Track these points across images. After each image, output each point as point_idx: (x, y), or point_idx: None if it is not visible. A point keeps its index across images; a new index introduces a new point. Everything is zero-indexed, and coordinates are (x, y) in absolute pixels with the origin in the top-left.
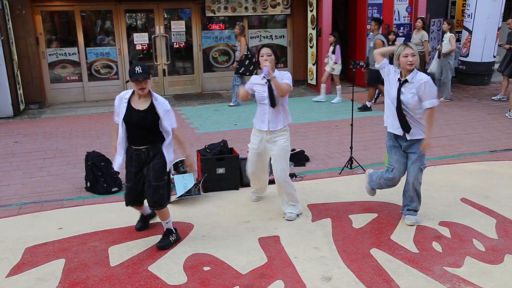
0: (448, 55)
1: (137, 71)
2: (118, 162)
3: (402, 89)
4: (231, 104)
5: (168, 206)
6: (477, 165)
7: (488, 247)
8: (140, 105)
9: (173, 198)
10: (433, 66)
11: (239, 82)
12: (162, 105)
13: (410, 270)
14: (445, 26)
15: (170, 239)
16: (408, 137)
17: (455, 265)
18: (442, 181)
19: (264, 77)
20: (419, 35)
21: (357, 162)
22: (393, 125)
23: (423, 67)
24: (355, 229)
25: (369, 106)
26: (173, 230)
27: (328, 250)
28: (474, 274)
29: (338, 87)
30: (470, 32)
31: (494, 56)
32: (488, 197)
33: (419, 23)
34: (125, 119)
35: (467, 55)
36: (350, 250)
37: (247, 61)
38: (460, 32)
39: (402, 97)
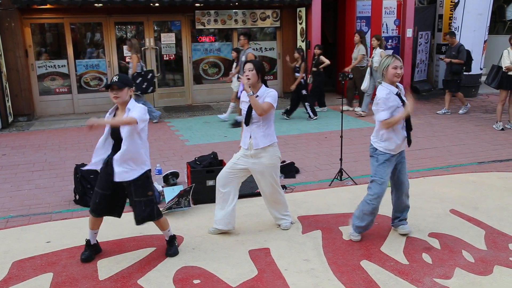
0: None
1: (114, 79)
2: (95, 161)
3: (402, 97)
4: None
5: None
6: (466, 176)
7: (478, 258)
8: (121, 116)
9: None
10: (366, 84)
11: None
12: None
13: (400, 281)
14: (374, 42)
15: (176, 243)
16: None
17: (445, 276)
18: (431, 193)
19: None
20: (357, 50)
21: (347, 174)
22: (396, 145)
23: (359, 82)
24: (345, 241)
25: (239, 121)
26: (174, 235)
27: (318, 262)
28: (464, 286)
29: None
30: None
31: (481, 69)
32: (477, 208)
33: (356, 37)
34: (110, 131)
35: None
36: (340, 262)
37: (140, 78)
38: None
39: (407, 103)
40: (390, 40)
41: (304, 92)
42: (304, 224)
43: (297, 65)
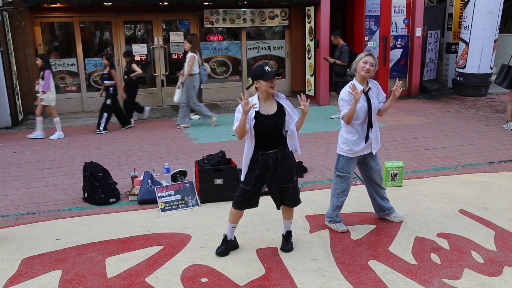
0: (192, 77)
1: (268, 69)
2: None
3: (369, 96)
4: None
5: (165, 215)
6: (475, 176)
7: (487, 259)
8: (268, 109)
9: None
10: (178, 96)
11: None
12: (286, 102)
13: (408, 282)
14: (186, 45)
15: (292, 239)
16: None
17: (454, 277)
18: (440, 193)
19: None
20: (188, 56)
21: (355, 173)
22: (361, 145)
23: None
24: (353, 240)
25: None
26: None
27: (326, 262)
28: (473, 286)
29: (56, 119)
30: (467, 44)
31: (491, 68)
32: (487, 208)
33: (185, 43)
34: (256, 126)
35: (464, 67)
36: (348, 261)
37: None
38: (457, 44)
39: (373, 103)
40: (399, 39)
41: (108, 102)
42: (312, 224)
43: (105, 72)
